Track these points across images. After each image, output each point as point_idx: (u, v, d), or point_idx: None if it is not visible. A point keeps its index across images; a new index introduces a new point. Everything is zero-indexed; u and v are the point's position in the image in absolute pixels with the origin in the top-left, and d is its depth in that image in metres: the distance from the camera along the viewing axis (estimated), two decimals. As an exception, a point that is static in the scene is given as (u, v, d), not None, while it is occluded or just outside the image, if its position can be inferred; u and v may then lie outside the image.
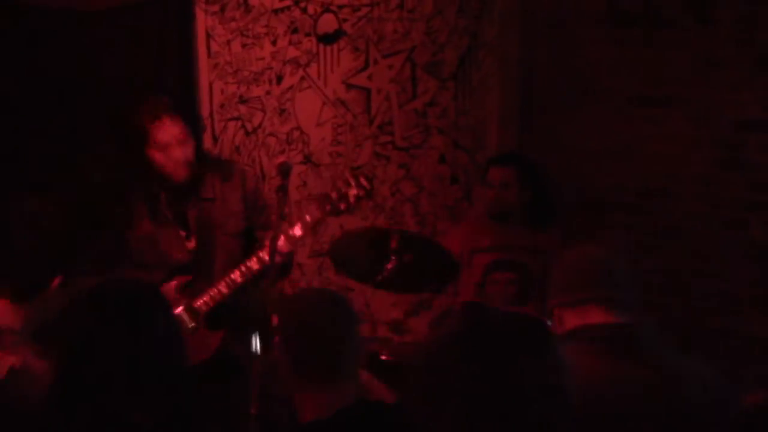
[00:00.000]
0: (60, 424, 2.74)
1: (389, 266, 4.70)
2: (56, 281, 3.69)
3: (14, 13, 5.59)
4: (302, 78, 6.23)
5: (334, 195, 4.44)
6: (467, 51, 6.39)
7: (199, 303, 4.49)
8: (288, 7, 6.18)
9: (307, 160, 6.27)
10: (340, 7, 6.21)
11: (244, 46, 6.14)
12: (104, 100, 5.74)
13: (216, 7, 6.06)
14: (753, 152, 5.44)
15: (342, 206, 4.43)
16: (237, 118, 6.17)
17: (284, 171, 4.08)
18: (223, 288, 4.47)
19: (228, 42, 6.11)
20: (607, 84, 5.96)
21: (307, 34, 6.22)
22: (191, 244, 4.62)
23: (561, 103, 6.15)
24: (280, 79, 6.21)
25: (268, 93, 6.20)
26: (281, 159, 4.33)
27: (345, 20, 6.24)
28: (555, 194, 5.67)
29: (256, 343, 5.04)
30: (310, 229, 4.50)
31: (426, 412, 2.26)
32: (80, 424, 2.72)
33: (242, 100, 6.17)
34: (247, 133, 6.18)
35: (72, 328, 2.87)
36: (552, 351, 2.26)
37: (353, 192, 4.42)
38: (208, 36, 6.08)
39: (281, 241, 4.33)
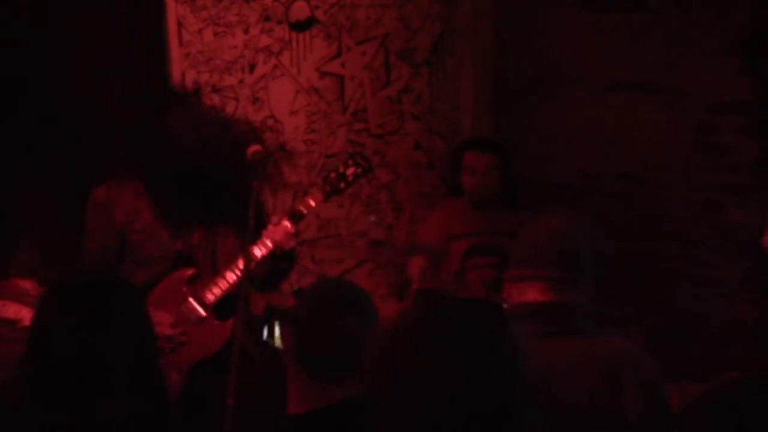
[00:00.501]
0: (31, 413, 2.77)
1: None
2: None
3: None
4: (275, 66, 6.20)
5: (332, 175, 4.52)
6: (440, 37, 6.39)
7: (207, 293, 4.44)
8: (260, -5, 6.16)
9: (282, 148, 6.24)
10: (313, -6, 6.20)
11: (216, 34, 6.10)
12: (73, 90, 5.69)
13: (187, -4, 6.03)
14: (727, 134, 5.45)
15: (341, 185, 4.52)
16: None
17: (258, 159, 4.04)
18: (230, 277, 4.39)
19: (200, 31, 6.07)
20: (582, 69, 5.97)
21: (280, 22, 6.19)
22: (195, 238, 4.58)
23: (535, 88, 6.17)
24: (252, 67, 6.18)
25: (241, 82, 6.17)
26: (255, 147, 4.28)
27: (317, 7, 6.22)
28: (525, 176, 5.70)
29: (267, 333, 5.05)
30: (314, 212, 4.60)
31: (385, 401, 2.25)
32: (50, 416, 2.74)
33: (215, 89, 6.12)
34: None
35: (36, 320, 2.93)
36: (507, 336, 2.23)
37: (351, 171, 4.50)
38: (180, 25, 6.04)
39: (278, 233, 4.33)
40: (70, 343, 2.76)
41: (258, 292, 4.92)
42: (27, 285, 3.97)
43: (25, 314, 3.83)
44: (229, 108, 6.14)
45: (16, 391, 2.85)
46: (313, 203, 4.45)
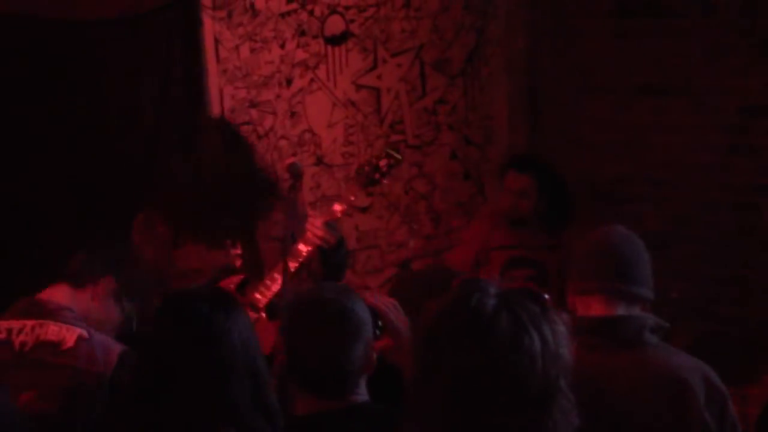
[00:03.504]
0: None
1: None
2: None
3: (10, 24, 5.63)
4: (312, 80, 6.26)
5: (366, 168, 4.53)
6: (475, 47, 6.42)
7: (256, 294, 4.48)
8: (295, 11, 6.21)
9: (320, 161, 6.30)
10: (347, 8, 6.24)
11: (252, 50, 6.17)
12: (110, 110, 5.78)
13: (223, 13, 6.09)
14: (759, 137, 5.44)
15: (376, 176, 4.51)
16: (248, 123, 6.19)
17: (294, 171, 4.12)
18: (277, 276, 4.42)
19: (236, 47, 6.14)
20: (614, 75, 6.00)
21: (315, 37, 6.24)
22: (237, 249, 4.65)
23: (568, 95, 6.19)
24: (289, 82, 6.23)
25: (278, 96, 6.22)
26: (291, 159, 4.36)
27: (352, 21, 6.27)
28: (570, 192, 5.67)
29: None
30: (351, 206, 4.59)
31: (419, 381, 2.30)
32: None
33: (252, 105, 6.19)
34: (258, 137, 6.20)
35: (155, 337, 2.90)
36: (548, 321, 2.28)
37: (384, 162, 4.51)
38: (217, 42, 6.11)
39: (318, 229, 4.36)
40: (191, 363, 2.78)
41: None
42: (60, 296, 3.76)
43: (65, 334, 3.65)
44: (267, 122, 6.22)
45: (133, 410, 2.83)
46: (338, 208, 4.48)
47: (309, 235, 4.39)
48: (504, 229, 5.55)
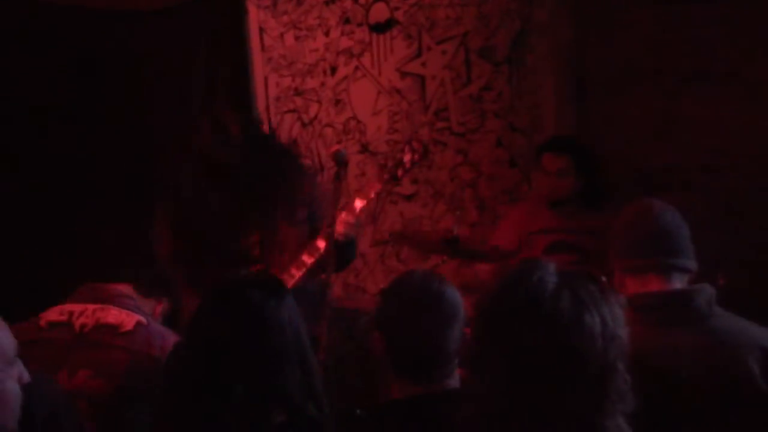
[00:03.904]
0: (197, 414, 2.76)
1: None
2: None
3: (58, 15, 5.67)
4: (356, 68, 6.26)
5: (389, 163, 4.60)
6: (519, 34, 6.39)
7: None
8: (340, -2, 6.22)
9: (365, 149, 6.30)
10: (392, -5, 6.25)
11: (297, 38, 6.18)
12: (159, 102, 5.81)
13: (268, 2, 6.10)
14: (809, 123, 5.40)
15: (399, 173, 4.54)
16: (293, 111, 6.21)
17: (339, 159, 4.12)
18: (294, 270, 4.44)
19: (281, 35, 6.15)
20: (661, 61, 5.94)
21: (360, 24, 6.24)
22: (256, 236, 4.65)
23: (616, 82, 6.14)
24: (334, 70, 6.24)
25: (322, 84, 6.23)
26: (335, 148, 4.36)
27: (397, 9, 6.26)
28: (610, 174, 5.65)
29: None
30: (372, 202, 4.61)
31: (478, 356, 2.34)
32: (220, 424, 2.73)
33: (297, 93, 6.20)
34: (303, 125, 6.21)
35: (206, 325, 2.87)
36: (607, 302, 2.32)
37: (407, 157, 4.52)
38: (261, 30, 6.12)
39: (338, 225, 4.36)
40: (240, 350, 2.76)
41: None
42: (123, 288, 3.84)
43: (124, 318, 3.72)
44: (312, 110, 6.22)
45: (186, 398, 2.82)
46: (358, 204, 4.47)
47: (328, 230, 4.41)
48: (544, 213, 5.54)
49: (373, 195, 4.50)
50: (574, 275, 2.35)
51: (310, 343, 2.91)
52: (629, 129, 6.08)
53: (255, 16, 6.13)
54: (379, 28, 6.26)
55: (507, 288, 2.35)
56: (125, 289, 3.87)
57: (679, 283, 3.25)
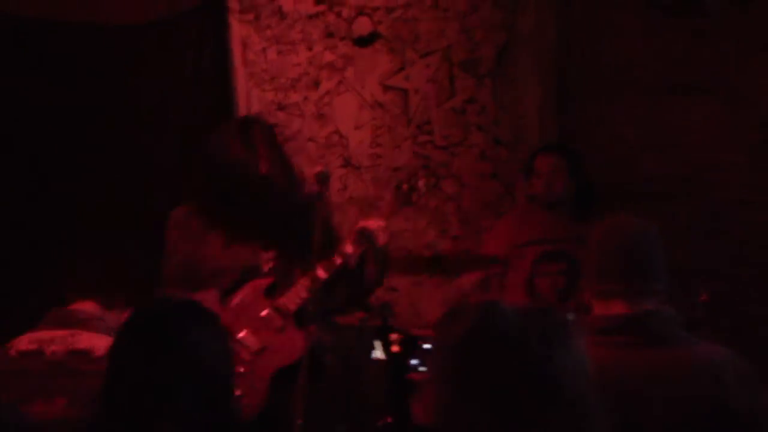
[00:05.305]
0: None
1: None
2: None
3: (43, 30, 5.66)
4: (339, 82, 6.25)
5: (404, 187, 4.61)
6: (504, 46, 6.38)
7: (284, 300, 4.46)
8: (322, 12, 6.21)
9: (347, 163, 6.29)
10: (375, 9, 6.23)
11: (279, 53, 6.17)
12: (140, 115, 5.80)
13: (251, 16, 6.10)
14: (794, 135, 5.40)
15: (413, 197, 4.64)
16: (275, 125, 6.18)
17: (322, 179, 4.12)
18: (307, 284, 4.39)
19: (264, 50, 6.15)
20: (645, 72, 5.93)
21: (343, 38, 6.24)
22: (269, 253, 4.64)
23: (599, 93, 6.13)
24: (317, 84, 6.24)
25: (305, 99, 6.23)
26: (319, 168, 4.34)
27: (380, 22, 6.26)
28: (596, 184, 5.65)
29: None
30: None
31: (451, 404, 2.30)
32: None
33: (280, 107, 6.20)
34: (286, 140, 6.19)
35: (113, 349, 2.84)
36: (572, 343, 2.30)
37: (422, 182, 4.63)
38: (244, 45, 6.12)
39: (347, 246, 4.41)
40: (137, 376, 2.71)
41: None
42: (88, 308, 3.82)
43: (95, 342, 3.70)
44: (295, 125, 6.21)
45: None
46: (350, 250, 4.47)
47: (343, 248, 4.42)
48: (531, 223, 5.54)
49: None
50: (535, 311, 2.34)
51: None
52: (612, 139, 6.08)
53: (238, 31, 6.14)
54: (363, 41, 6.26)
55: (473, 331, 2.32)
56: (90, 307, 3.85)
57: (645, 305, 3.19)
